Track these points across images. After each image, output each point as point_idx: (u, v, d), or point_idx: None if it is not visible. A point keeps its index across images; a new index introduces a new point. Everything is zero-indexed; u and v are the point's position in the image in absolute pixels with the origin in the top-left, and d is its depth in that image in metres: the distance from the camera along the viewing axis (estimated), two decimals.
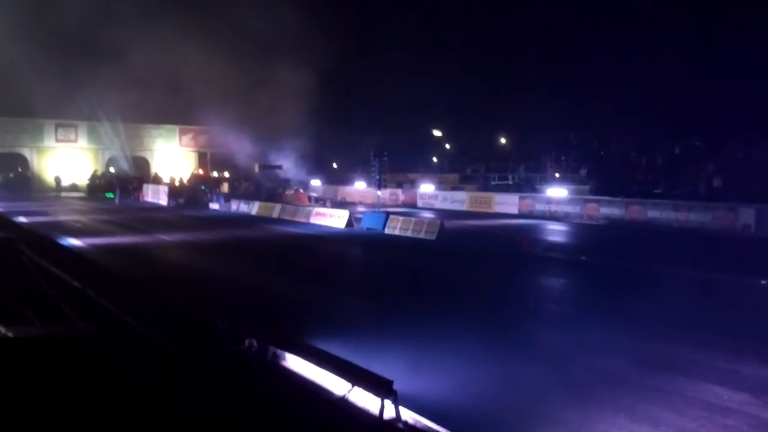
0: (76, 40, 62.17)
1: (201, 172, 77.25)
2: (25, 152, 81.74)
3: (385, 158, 42.73)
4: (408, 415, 8.03)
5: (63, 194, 74.59)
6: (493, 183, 68.61)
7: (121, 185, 67.83)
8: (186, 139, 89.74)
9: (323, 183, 72.37)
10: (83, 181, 79.55)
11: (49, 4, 61.77)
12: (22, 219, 39.61)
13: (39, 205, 54.80)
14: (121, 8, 66.36)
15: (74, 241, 30.23)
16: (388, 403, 7.94)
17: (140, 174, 79.23)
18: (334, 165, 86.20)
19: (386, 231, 35.96)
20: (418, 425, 7.90)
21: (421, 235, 33.66)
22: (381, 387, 8.02)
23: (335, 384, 8.78)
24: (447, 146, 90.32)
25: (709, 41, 64.96)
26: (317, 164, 72.82)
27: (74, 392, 8.16)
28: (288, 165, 67.79)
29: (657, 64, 68.06)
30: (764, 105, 54.86)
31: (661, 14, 70.12)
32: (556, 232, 38.94)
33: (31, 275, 16.26)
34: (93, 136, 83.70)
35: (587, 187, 57.11)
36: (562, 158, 73.81)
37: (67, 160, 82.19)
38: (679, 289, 20.16)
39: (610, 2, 75.61)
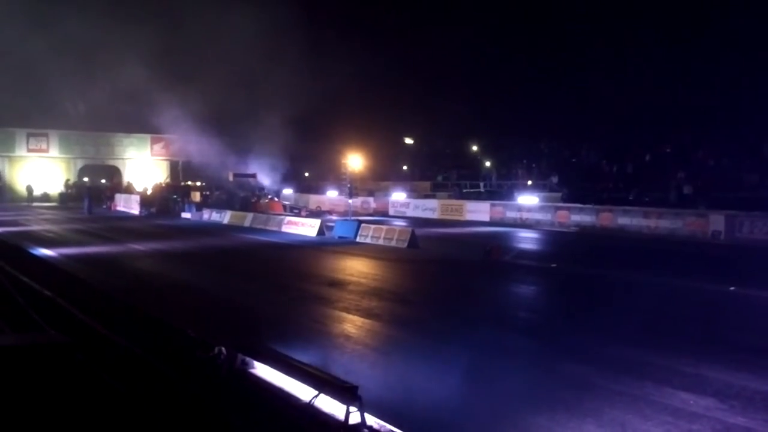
0: (46, 48, 61.69)
1: (166, 183, 77.29)
2: None
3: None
4: (373, 421, 8.13)
5: (35, 204, 74.04)
6: (464, 191, 68.67)
7: (92, 195, 67.43)
8: (158, 147, 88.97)
9: (295, 191, 72.12)
10: (55, 190, 79.15)
11: (18, 11, 61.39)
12: None
13: (11, 215, 54.41)
14: (93, 15, 65.97)
15: (46, 251, 30.15)
16: (353, 408, 8.04)
17: (113, 183, 78.89)
18: (306, 174, 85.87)
19: (358, 239, 36.07)
20: (383, 430, 7.99)
21: (393, 243, 33.80)
22: (346, 393, 8.12)
23: (302, 390, 8.87)
24: (418, 154, 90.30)
25: (680, 49, 65.61)
26: (289, 173, 72.60)
27: (44, 400, 8.21)
28: (261, 174, 67.57)
29: (627, 73, 68.42)
30: (734, 112, 55.39)
31: (632, 23, 70.65)
32: (526, 239, 39.16)
33: (1, 284, 16.25)
34: (65, 145, 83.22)
35: (559, 195, 57.25)
36: (533, 165, 73.95)
37: (38, 169, 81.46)
38: (648, 296, 20.39)
39: (580, 11, 75.87)
